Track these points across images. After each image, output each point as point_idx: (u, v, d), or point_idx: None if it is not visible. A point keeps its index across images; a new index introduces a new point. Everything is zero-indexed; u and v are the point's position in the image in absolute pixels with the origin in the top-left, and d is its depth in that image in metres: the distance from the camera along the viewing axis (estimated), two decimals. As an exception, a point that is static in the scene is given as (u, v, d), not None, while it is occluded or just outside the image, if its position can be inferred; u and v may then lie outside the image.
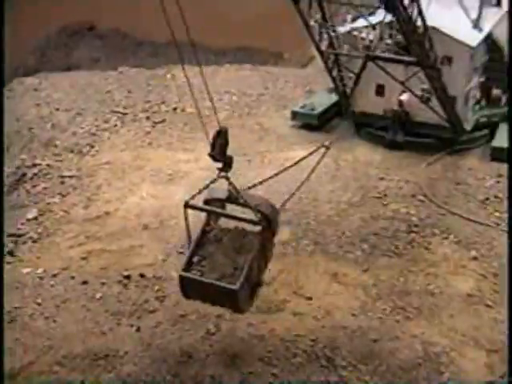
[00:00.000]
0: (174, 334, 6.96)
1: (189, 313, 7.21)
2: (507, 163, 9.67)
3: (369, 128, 10.99)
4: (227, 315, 7.18)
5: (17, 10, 16.53)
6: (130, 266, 7.83)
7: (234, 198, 6.73)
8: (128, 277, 7.67)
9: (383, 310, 7.46)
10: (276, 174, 7.65)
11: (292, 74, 13.16)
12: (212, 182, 6.72)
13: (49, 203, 9.18)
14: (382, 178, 9.81)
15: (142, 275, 7.69)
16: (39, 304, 7.34)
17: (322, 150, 8.38)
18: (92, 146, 10.54)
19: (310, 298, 7.53)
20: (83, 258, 7.97)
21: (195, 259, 6.64)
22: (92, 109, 11.65)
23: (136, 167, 9.78)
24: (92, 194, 9.20)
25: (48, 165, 10.08)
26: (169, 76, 12.80)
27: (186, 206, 6.53)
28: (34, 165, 10.14)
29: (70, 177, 9.69)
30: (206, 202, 6.77)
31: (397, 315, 7.42)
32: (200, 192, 6.60)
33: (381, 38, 9.86)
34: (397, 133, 10.93)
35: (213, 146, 6.58)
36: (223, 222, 6.89)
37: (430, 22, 9.15)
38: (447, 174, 10.07)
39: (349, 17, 10.16)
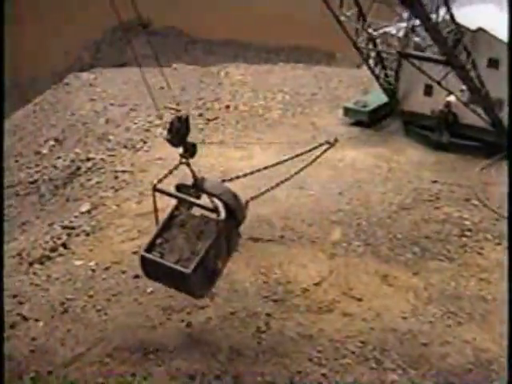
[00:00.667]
0: (224, 331, 6.99)
1: (239, 310, 7.24)
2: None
3: (416, 128, 10.95)
4: (277, 314, 7.21)
5: (74, 7, 16.80)
6: (182, 262, 7.88)
7: (199, 185, 6.85)
8: (181, 272, 7.72)
9: (434, 313, 7.39)
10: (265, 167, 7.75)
11: (345, 74, 13.10)
12: (175, 168, 6.91)
13: (102, 197, 9.29)
14: (434, 181, 9.72)
15: (192, 271, 7.73)
16: (91, 296, 7.43)
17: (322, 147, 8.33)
18: (145, 142, 10.64)
19: (360, 300, 7.50)
20: (135, 253, 8.02)
21: (158, 241, 6.72)
22: (146, 105, 11.74)
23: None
24: (144, 189, 9.26)
25: (102, 159, 10.21)
26: (222, 74, 12.85)
27: (154, 189, 6.73)
28: (88, 159, 10.28)
29: (123, 171, 9.78)
30: (177, 187, 6.97)
31: (448, 320, 7.34)
32: (166, 176, 6.86)
33: (406, 35, 9.82)
34: (442, 134, 10.86)
35: (169, 130, 6.71)
36: (195, 209, 6.91)
37: (473, 23, 9.03)
38: (501, 178, 9.95)
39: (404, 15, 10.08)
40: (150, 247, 6.70)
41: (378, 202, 9.17)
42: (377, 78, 10.73)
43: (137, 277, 7.66)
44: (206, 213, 6.77)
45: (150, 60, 16.00)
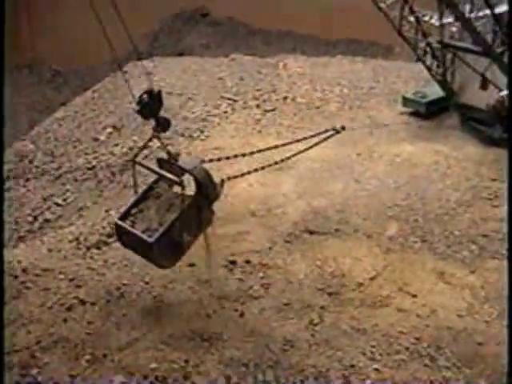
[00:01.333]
0: (278, 322, 6.98)
1: (293, 301, 7.22)
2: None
3: (472, 122, 10.78)
4: (331, 307, 7.19)
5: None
6: (237, 252, 7.90)
7: (173, 160, 7.06)
8: (234, 262, 7.74)
9: (490, 313, 7.27)
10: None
11: (404, 68, 12.96)
12: (148, 142, 7.24)
13: (160, 186, 9.35)
14: (494, 179, 9.57)
15: (247, 261, 7.74)
16: (147, 283, 7.48)
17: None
18: (202, 131, 10.67)
19: (415, 296, 7.42)
20: (188, 241, 8.08)
21: (133, 211, 7.03)
22: (203, 94, 11.79)
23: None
24: (201, 177, 9.30)
25: (159, 147, 10.23)
26: (281, 65, 12.84)
27: (133, 162, 7.14)
28: (146, 147, 10.31)
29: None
30: (158, 160, 7.23)
31: (504, 320, 7.23)
32: (141, 150, 7.42)
33: (441, 25, 9.67)
34: (495, 129, 10.66)
35: (138, 103, 6.87)
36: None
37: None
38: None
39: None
40: (125, 216, 7.04)
41: (436, 198, 9.06)
42: (428, 69, 10.55)
43: (192, 265, 7.69)
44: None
45: (208, 50, 16.16)
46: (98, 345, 6.68)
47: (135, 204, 7.12)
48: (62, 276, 7.52)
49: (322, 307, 7.17)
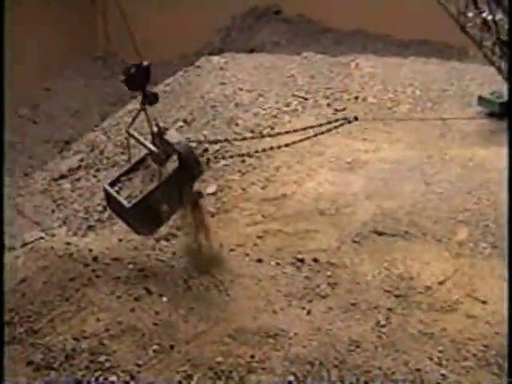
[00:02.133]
0: (344, 322, 6.95)
1: (360, 302, 7.18)
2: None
3: None
4: (398, 309, 7.12)
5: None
6: (304, 250, 7.89)
7: (160, 134, 7.34)
8: (301, 260, 7.74)
9: None
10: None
11: (479, 71, 12.75)
12: (137, 115, 7.35)
13: (228, 180, 9.40)
14: None
15: (315, 260, 7.73)
16: (214, 276, 7.53)
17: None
18: (272, 128, 10.68)
19: (484, 302, 7.30)
20: (259, 237, 8.10)
21: (123, 178, 7.39)
22: (274, 91, 11.78)
23: (315, 153, 9.81)
24: (270, 174, 9.32)
25: (229, 142, 10.32)
26: (352, 65, 12.75)
27: (127, 133, 7.46)
28: (216, 141, 10.41)
29: (250, 156, 9.86)
30: (152, 134, 7.42)
31: None
32: (132, 123, 7.47)
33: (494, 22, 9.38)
34: None
35: (124, 73, 7.04)
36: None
37: None
38: None
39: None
40: (114, 183, 7.41)
41: (507, 203, 8.91)
42: (498, 68, 10.30)
43: (260, 261, 7.73)
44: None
45: (279, 47, 16.14)
46: (164, 336, 6.76)
47: (126, 173, 7.50)
48: (131, 266, 7.62)
49: (389, 309, 7.12)
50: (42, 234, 10.34)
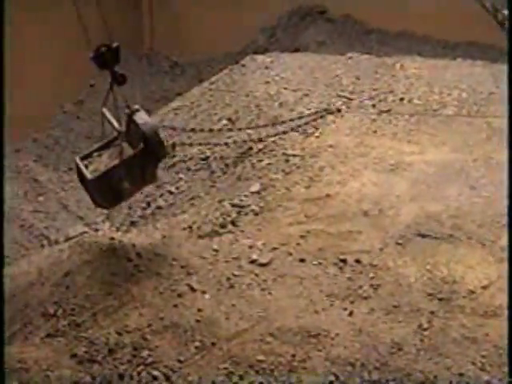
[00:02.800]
0: (386, 324, 6.92)
1: (402, 304, 7.13)
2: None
3: None
4: (441, 313, 7.07)
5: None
6: (347, 251, 7.86)
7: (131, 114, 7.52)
8: (344, 260, 7.70)
9: None
10: None
11: (527, 75, 12.60)
12: (107, 95, 7.49)
13: (272, 179, 9.40)
14: None
15: (358, 261, 7.69)
16: (257, 275, 7.54)
17: None
18: (316, 128, 10.65)
19: (528, 308, 7.25)
20: (302, 237, 8.09)
21: (95, 154, 7.74)
22: (319, 91, 11.76)
23: (359, 153, 9.77)
24: (314, 174, 9.30)
25: (273, 141, 10.33)
26: (398, 66, 12.67)
27: (101, 113, 7.68)
28: (260, 140, 10.44)
29: (294, 156, 9.86)
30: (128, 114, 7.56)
31: None
32: (105, 101, 7.57)
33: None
34: None
35: (93, 51, 7.31)
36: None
37: None
38: None
39: None
40: (86, 157, 7.79)
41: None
42: None
43: (302, 260, 7.72)
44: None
45: (323, 47, 16.08)
46: (206, 333, 6.79)
47: (98, 149, 7.86)
48: (174, 262, 7.67)
49: (431, 312, 7.06)
50: (86, 229, 10.47)
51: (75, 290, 7.39)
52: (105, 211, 11.18)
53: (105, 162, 7.63)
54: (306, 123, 9.87)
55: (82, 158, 7.79)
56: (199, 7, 17.51)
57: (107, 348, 6.68)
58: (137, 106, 7.63)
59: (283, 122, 10.35)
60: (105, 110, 7.68)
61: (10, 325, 7.32)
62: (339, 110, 9.18)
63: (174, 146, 8.09)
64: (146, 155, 7.49)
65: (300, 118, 10.43)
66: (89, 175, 7.50)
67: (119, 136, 7.56)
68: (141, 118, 7.52)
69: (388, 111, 11.11)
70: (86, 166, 7.66)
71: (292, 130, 10.54)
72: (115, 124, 7.56)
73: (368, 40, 16.04)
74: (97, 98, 16.09)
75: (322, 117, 10.33)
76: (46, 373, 6.50)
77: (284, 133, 10.43)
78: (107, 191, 7.56)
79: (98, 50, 7.35)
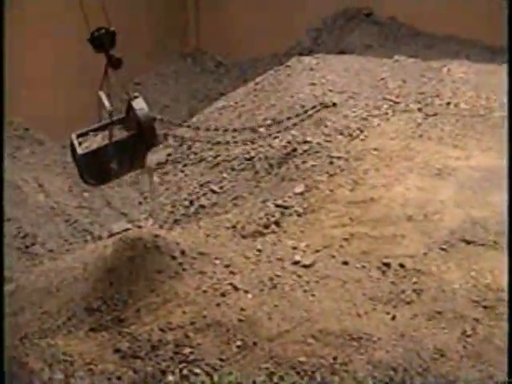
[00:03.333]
0: (429, 329, 6.87)
1: (445, 310, 7.08)
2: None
3: None
4: (485, 320, 7.00)
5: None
6: (391, 254, 7.82)
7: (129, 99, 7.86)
8: (387, 264, 7.67)
9: None
10: None
11: None
12: (104, 78, 7.74)
13: (316, 180, 9.39)
14: None
15: (401, 265, 7.66)
16: (300, 276, 7.54)
17: None
18: (361, 131, 10.61)
19: None
20: (345, 239, 8.08)
21: (91, 133, 8.01)
22: (364, 94, 11.71)
23: (404, 157, 9.72)
24: (359, 177, 9.27)
25: (318, 143, 10.31)
26: (444, 70, 12.58)
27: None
28: (305, 142, 10.42)
29: (339, 158, 9.83)
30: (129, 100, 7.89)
31: None
32: (102, 84, 7.79)
33: None
34: None
35: (91, 33, 7.47)
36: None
37: None
38: None
39: None
40: (81, 135, 8.07)
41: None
42: None
43: (345, 263, 7.71)
44: None
45: (369, 49, 15.99)
46: (248, 332, 6.81)
47: (95, 129, 8.12)
48: (217, 261, 7.71)
49: (475, 319, 7.00)
50: (129, 226, 10.56)
51: (119, 286, 7.47)
52: (147, 208, 11.30)
53: (99, 141, 7.92)
54: (303, 120, 10.27)
55: (78, 136, 8.07)
56: (245, 8, 17.56)
57: (150, 344, 6.73)
58: (136, 93, 8.00)
59: (279, 122, 10.71)
60: (101, 93, 7.91)
61: (55, 318, 7.44)
62: (334, 104, 9.66)
63: (165, 136, 8.57)
64: (137, 140, 7.82)
65: (297, 115, 10.77)
66: (80, 150, 7.81)
67: (109, 115, 7.82)
68: (138, 104, 7.83)
69: (434, 115, 11.03)
70: (80, 143, 7.96)
71: (294, 125, 10.75)
72: (106, 104, 7.77)
73: (415, 43, 15.90)
74: (143, 96, 16.27)
75: (318, 111, 10.74)
76: (90, 366, 6.57)
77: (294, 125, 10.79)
78: (95, 169, 7.88)
79: (94, 33, 7.49)
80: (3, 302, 7.12)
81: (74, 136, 8.10)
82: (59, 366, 6.60)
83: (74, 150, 8.08)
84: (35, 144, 12.86)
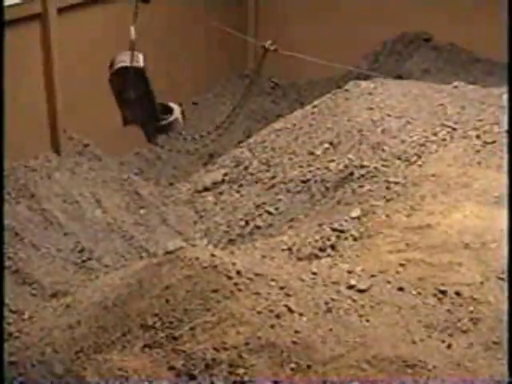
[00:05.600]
0: (486, 360, 6.80)
1: (503, 340, 6.98)
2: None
3: None
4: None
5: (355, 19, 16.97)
6: (447, 282, 7.76)
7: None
8: (444, 292, 7.61)
9: None
10: None
11: None
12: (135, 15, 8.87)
13: (372, 205, 9.38)
14: None
15: (457, 293, 7.59)
16: (354, 301, 7.52)
17: None
18: (419, 156, 10.59)
19: None
20: (401, 265, 8.04)
21: None
22: (423, 119, 11.69)
23: (462, 184, 9.65)
24: (415, 203, 9.23)
25: (375, 168, 10.32)
26: (504, 97, 12.47)
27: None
28: (362, 166, 10.44)
29: (396, 183, 9.82)
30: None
31: None
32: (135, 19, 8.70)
33: None
34: None
35: None
36: None
37: None
38: None
39: None
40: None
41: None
42: None
43: (401, 289, 7.67)
44: None
45: (427, 75, 15.94)
46: (302, 355, 6.81)
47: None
48: (273, 283, 7.71)
49: (532, 352, 6.89)
50: (184, 244, 10.66)
51: (175, 304, 7.52)
52: (202, 227, 11.39)
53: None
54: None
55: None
56: (304, 31, 17.67)
57: (204, 363, 6.77)
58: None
59: None
60: (132, 28, 8.81)
61: (110, 333, 7.53)
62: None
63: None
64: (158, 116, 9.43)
65: None
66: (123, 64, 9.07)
67: (131, 45, 8.89)
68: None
69: (493, 142, 10.94)
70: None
71: None
72: (132, 35, 8.77)
73: (474, 69, 15.83)
74: (199, 116, 16.45)
75: None
76: (145, 383, 6.63)
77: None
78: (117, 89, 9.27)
79: None
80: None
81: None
82: (115, 380, 6.67)
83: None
84: (94, 160, 13.05)
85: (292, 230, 9.56)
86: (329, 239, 8.68)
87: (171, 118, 9.72)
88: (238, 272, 7.83)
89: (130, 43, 8.91)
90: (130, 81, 9.14)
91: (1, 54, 8.95)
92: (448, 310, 7.41)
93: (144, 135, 10.10)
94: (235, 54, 17.76)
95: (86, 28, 12.90)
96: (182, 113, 9.94)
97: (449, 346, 6.94)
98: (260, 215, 10.77)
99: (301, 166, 11.31)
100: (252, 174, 11.97)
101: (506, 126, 10.76)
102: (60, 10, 12.07)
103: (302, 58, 15.50)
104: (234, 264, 8.00)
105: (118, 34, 13.53)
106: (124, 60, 9.27)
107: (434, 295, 7.60)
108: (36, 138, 11.78)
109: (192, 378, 6.64)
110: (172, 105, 9.95)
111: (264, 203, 10.98)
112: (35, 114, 11.66)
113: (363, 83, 13.07)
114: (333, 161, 10.96)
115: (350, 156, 10.89)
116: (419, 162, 10.39)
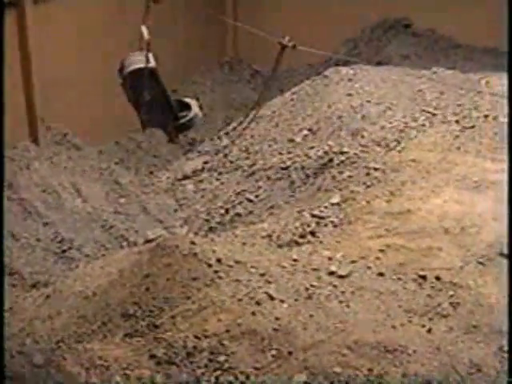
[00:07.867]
0: (465, 344, 6.82)
1: (482, 325, 7.02)
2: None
3: None
4: (524, 335, 6.97)
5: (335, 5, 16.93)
6: (427, 267, 7.78)
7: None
8: (424, 277, 7.63)
9: None
10: None
11: None
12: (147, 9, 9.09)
13: (352, 191, 9.38)
14: None
15: (437, 278, 7.61)
16: (335, 287, 7.53)
17: None
18: (399, 142, 10.59)
19: None
20: (381, 251, 8.04)
21: None
22: (402, 105, 11.70)
23: (441, 169, 9.67)
24: (395, 189, 9.24)
25: (355, 154, 10.32)
26: (483, 82, 12.52)
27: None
28: (342, 152, 10.42)
29: (376, 169, 9.82)
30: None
31: None
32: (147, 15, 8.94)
33: None
34: None
35: None
36: None
37: None
38: None
39: None
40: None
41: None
42: None
43: (381, 275, 7.68)
44: None
45: (407, 61, 15.93)
46: (283, 341, 6.81)
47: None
48: (253, 270, 7.71)
49: (513, 334, 6.94)
50: (164, 232, 10.62)
51: (155, 292, 7.50)
52: (183, 216, 11.36)
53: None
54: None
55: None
56: (283, 18, 17.60)
57: (185, 351, 6.76)
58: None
59: None
60: (143, 27, 8.86)
61: (91, 322, 7.50)
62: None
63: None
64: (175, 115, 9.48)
65: None
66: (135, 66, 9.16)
67: (147, 45, 8.93)
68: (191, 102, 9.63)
69: (472, 127, 10.97)
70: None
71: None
72: (145, 35, 8.80)
73: (453, 55, 15.82)
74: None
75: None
76: (126, 371, 6.61)
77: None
78: (131, 90, 9.33)
79: None
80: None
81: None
82: (95, 370, 6.65)
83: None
84: (73, 149, 12.97)
85: (272, 217, 9.55)
86: (309, 226, 8.68)
87: (191, 114, 9.67)
88: (219, 260, 7.81)
89: (144, 43, 8.91)
90: (144, 82, 9.12)
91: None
92: (428, 295, 7.44)
93: (166, 135, 10.12)
94: (215, 41, 17.68)
95: (63, 16, 12.76)
96: (200, 106, 9.97)
97: (429, 331, 6.97)
98: (240, 203, 10.75)
99: (280, 153, 11.29)
100: (232, 162, 11.95)
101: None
102: (36, -1, 11.95)
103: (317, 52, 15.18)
104: (214, 252, 7.99)
105: (96, 21, 13.46)
106: (135, 61, 9.24)
107: (414, 280, 7.63)
108: (14, 128, 11.65)
109: (173, 365, 6.62)
110: (188, 100, 9.91)
111: (244, 191, 10.96)
112: (12, 103, 11.52)
113: (343, 69, 13.06)
114: (312, 147, 10.95)
115: (330, 142, 10.88)
116: (399, 148, 10.40)
